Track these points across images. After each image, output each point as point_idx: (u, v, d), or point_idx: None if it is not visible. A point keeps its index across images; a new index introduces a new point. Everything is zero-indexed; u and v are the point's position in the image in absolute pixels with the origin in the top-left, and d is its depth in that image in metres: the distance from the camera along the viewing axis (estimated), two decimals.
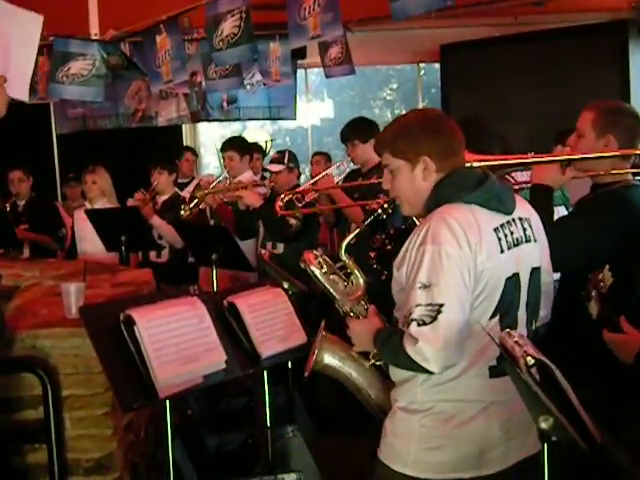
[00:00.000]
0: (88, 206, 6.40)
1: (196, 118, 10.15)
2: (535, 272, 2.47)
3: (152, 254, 6.28)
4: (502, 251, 2.34)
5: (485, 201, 2.36)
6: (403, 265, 2.33)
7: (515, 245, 2.39)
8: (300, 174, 6.13)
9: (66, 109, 9.85)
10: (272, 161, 5.86)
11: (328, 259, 2.68)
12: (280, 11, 6.41)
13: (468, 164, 2.61)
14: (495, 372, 2.35)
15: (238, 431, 4.21)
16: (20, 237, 7.15)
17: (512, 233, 2.39)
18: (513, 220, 2.43)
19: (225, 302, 3.21)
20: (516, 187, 3.40)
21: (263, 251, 5.33)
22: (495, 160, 3.04)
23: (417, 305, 2.21)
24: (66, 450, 3.21)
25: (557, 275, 2.90)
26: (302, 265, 2.68)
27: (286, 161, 5.67)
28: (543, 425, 1.86)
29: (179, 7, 7.01)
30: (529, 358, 1.84)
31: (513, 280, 2.37)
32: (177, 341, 2.81)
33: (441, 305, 2.18)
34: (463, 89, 8.93)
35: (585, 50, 8.05)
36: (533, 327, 2.51)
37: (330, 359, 2.64)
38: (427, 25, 8.27)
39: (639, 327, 2.48)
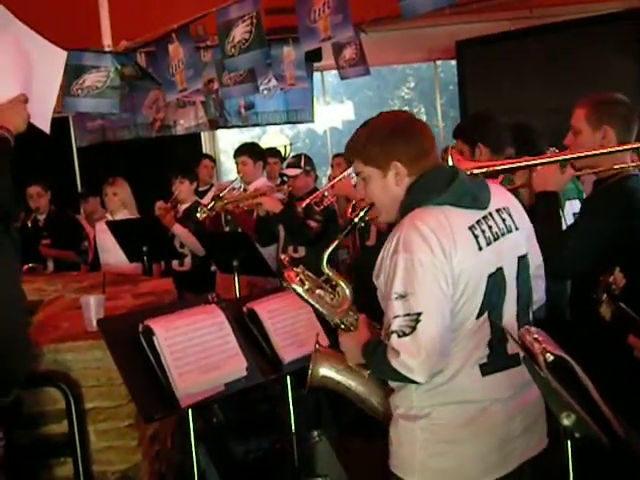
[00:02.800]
0: (109, 217, 6.43)
1: (214, 125, 10.20)
2: (522, 260, 2.42)
3: (175, 263, 6.30)
4: (480, 248, 2.29)
5: (457, 200, 2.30)
6: (381, 274, 2.30)
7: (496, 239, 2.34)
8: (317, 177, 6.11)
9: (85, 122, 9.93)
10: (288, 166, 5.87)
11: (311, 274, 2.55)
12: (292, 15, 6.39)
13: (467, 171, 2.56)
14: (487, 370, 2.31)
15: (264, 437, 4.20)
16: (43, 254, 7.21)
17: (490, 227, 2.34)
18: (490, 214, 2.37)
19: (245, 308, 3.21)
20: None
21: (283, 256, 5.32)
22: (492, 166, 3.02)
23: (395, 316, 2.17)
24: (92, 463, 3.22)
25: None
26: (284, 284, 2.58)
27: (302, 164, 5.67)
28: (565, 422, 1.83)
29: (190, 15, 7.01)
30: (548, 355, 1.82)
31: (497, 275, 2.32)
32: (196, 350, 2.81)
33: (419, 314, 2.14)
34: (480, 84, 8.90)
35: (601, 40, 7.97)
36: (530, 316, 2.47)
37: (327, 372, 2.58)
38: (441, 22, 8.27)
39: None
